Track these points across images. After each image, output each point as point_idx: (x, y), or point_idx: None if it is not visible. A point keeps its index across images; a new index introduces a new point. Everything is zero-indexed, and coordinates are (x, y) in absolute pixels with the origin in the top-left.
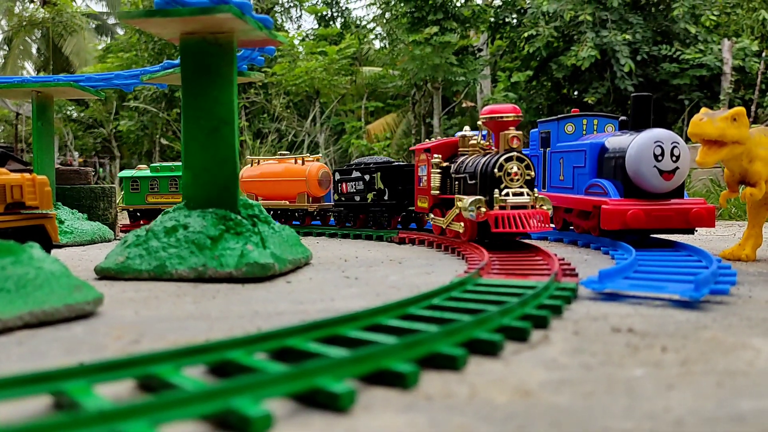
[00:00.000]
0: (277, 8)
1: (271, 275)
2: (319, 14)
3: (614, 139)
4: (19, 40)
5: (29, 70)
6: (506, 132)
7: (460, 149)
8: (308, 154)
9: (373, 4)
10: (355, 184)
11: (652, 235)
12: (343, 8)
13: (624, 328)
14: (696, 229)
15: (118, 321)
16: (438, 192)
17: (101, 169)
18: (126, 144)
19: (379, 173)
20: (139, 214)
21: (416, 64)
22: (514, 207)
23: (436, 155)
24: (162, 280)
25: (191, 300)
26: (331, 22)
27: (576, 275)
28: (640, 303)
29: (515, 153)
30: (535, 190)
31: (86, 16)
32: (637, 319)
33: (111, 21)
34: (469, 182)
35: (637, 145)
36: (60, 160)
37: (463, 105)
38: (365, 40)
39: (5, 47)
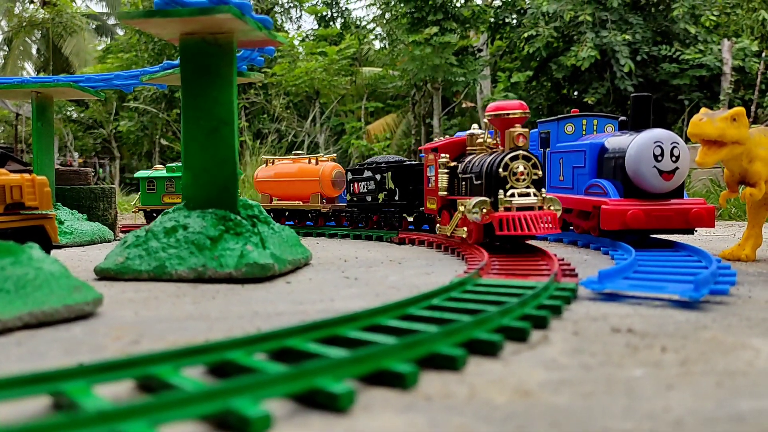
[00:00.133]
0: (277, 9)
1: (271, 276)
2: (319, 15)
3: (614, 140)
4: (19, 41)
5: (29, 70)
6: (512, 130)
7: (468, 148)
8: (322, 154)
9: (373, 4)
10: (366, 184)
11: (651, 236)
12: (343, 9)
13: (623, 329)
14: (696, 229)
15: (117, 321)
16: (446, 193)
17: (101, 170)
18: (126, 144)
19: (389, 173)
20: (155, 214)
21: (416, 64)
22: (520, 208)
23: (443, 155)
24: (161, 281)
25: (191, 300)
26: (330, 23)
27: (576, 275)
28: (639, 303)
29: (521, 152)
30: (543, 190)
31: (86, 16)
32: (636, 320)
33: (111, 21)
34: (475, 183)
35: (637, 145)
36: (60, 160)
37: (463, 105)
38: (365, 40)
39: (5, 48)
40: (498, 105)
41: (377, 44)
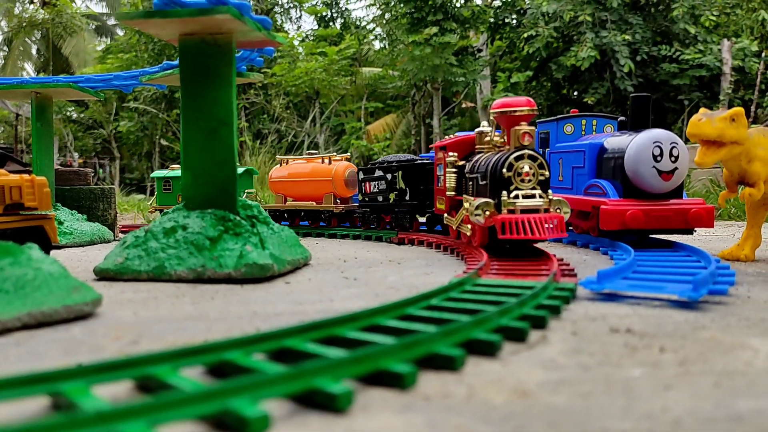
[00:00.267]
0: (277, 9)
1: (270, 276)
2: (319, 15)
3: (613, 140)
4: (18, 41)
5: (29, 71)
6: (518, 128)
7: (477, 147)
8: (335, 153)
9: (372, 4)
10: (377, 184)
11: (651, 236)
12: (343, 9)
13: (622, 329)
14: (695, 229)
15: (116, 322)
16: (453, 193)
17: (101, 170)
18: (126, 145)
19: (400, 172)
20: None
21: (416, 64)
22: (525, 211)
23: (451, 153)
24: (161, 281)
25: (190, 301)
26: (330, 23)
27: (575, 275)
28: (638, 303)
29: (527, 151)
30: (550, 191)
31: (86, 17)
32: (635, 320)
33: (111, 22)
34: (481, 183)
35: (636, 145)
36: (60, 161)
37: (463, 105)
38: (365, 40)
39: (5, 48)
40: (504, 101)
41: (377, 44)
